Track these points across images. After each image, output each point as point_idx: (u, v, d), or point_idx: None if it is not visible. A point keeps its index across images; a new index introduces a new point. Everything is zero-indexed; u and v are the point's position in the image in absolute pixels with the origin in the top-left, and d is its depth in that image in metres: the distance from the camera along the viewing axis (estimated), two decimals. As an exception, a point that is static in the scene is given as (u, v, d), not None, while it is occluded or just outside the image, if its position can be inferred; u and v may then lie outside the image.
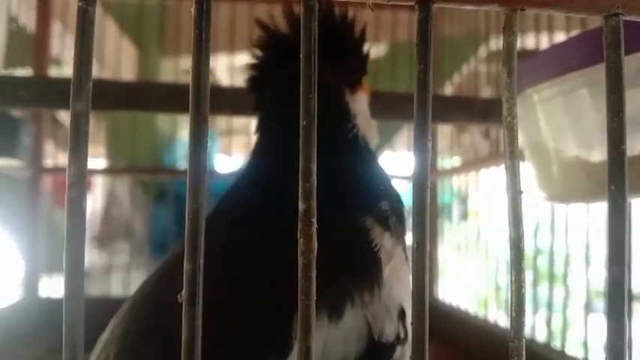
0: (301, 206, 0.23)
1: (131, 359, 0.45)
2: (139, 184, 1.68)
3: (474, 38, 1.27)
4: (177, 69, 1.47)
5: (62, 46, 1.38)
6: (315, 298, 0.45)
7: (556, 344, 0.93)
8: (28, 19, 1.31)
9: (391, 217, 0.56)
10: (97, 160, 2.16)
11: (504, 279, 1.19)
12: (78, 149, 0.23)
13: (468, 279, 1.31)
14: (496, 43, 1.29)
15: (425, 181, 0.24)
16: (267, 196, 0.55)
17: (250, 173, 0.61)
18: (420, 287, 0.23)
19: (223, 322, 0.43)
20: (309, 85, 0.23)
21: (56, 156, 1.45)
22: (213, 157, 2.06)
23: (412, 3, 0.24)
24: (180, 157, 2.12)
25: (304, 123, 0.23)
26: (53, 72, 1.42)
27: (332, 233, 0.46)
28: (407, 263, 0.56)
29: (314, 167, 0.23)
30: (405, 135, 1.69)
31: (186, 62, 1.72)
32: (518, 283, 0.25)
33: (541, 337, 0.96)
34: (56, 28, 1.37)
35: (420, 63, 0.24)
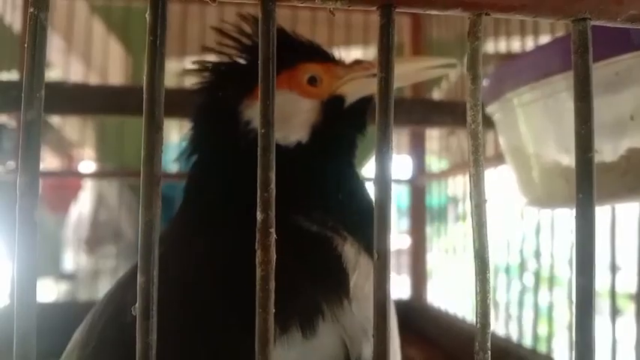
0: (259, 216, 0.23)
1: None
2: (128, 188, 1.67)
3: (461, 42, 1.27)
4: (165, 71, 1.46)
5: (49, 48, 1.36)
6: (284, 310, 0.44)
7: (542, 349, 0.92)
8: (14, 20, 1.30)
9: (340, 224, 0.53)
10: (85, 164, 2.15)
11: (493, 282, 1.19)
12: (29, 159, 0.22)
13: (458, 282, 1.30)
14: (484, 47, 1.29)
15: (386, 191, 0.23)
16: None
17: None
18: (382, 300, 0.23)
19: (187, 339, 0.42)
20: (267, 91, 0.23)
21: (43, 159, 1.44)
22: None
23: (374, 8, 0.24)
24: (170, 160, 2.10)
25: (262, 131, 0.23)
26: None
27: (288, 241, 0.44)
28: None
29: (272, 176, 0.23)
30: (394, 139, 1.68)
31: (174, 65, 1.71)
32: (483, 294, 0.24)
33: (527, 341, 0.96)
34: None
35: (381, 70, 0.24)
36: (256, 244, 0.22)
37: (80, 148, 1.96)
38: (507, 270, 1.10)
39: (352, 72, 0.61)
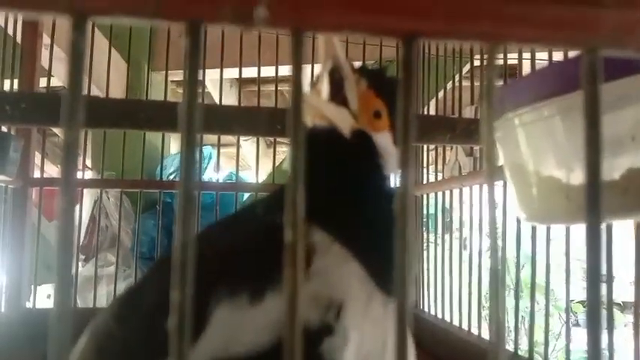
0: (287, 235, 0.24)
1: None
2: (127, 195, 1.68)
3: (458, 56, 1.29)
4: (165, 84, 1.47)
5: (50, 59, 1.37)
6: (236, 276, 0.52)
7: (538, 357, 0.93)
8: (16, 32, 1.31)
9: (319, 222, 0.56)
10: (84, 172, 2.15)
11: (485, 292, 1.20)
12: (68, 180, 0.23)
13: (453, 291, 1.31)
14: (480, 61, 1.31)
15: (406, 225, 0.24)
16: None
17: None
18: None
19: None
20: (297, 136, 0.24)
21: (44, 167, 1.45)
22: (204, 170, 2.06)
23: (396, 38, 0.25)
24: (170, 170, 2.11)
25: (292, 176, 0.23)
26: (42, 84, 1.42)
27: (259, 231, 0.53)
28: (354, 264, 0.56)
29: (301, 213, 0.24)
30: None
31: (175, 78, 1.71)
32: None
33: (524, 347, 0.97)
34: (45, 40, 1.37)
35: (402, 101, 0.25)
36: (285, 261, 0.23)
37: (79, 156, 1.96)
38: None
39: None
